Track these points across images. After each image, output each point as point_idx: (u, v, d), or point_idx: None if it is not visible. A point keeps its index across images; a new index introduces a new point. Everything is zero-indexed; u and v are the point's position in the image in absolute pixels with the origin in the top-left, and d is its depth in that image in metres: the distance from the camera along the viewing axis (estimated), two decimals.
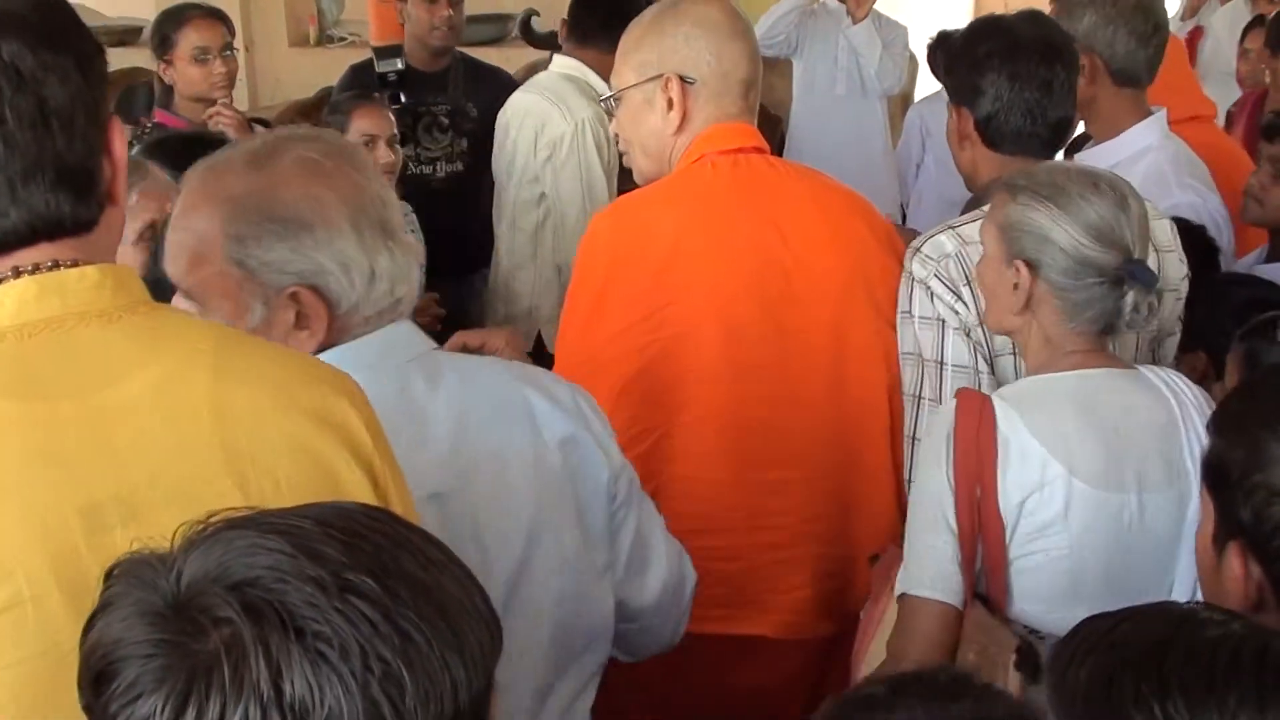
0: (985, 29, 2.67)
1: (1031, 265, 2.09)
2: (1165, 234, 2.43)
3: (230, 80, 4.01)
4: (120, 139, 1.31)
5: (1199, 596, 2.08)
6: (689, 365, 2.38)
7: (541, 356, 3.29)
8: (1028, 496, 2.02)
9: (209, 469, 1.22)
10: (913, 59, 6.57)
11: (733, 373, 2.39)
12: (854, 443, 2.45)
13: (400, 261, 1.64)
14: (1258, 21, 5.13)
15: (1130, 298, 2.05)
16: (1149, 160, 3.06)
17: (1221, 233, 3.08)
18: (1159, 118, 3.14)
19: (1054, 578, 2.05)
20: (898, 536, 2.22)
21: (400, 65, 4.21)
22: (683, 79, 2.45)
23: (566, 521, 1.78)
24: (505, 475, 1.73)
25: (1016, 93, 2.56)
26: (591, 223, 2.57)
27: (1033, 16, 2.67)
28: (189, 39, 3.93)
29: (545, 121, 3.97)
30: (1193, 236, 2.80)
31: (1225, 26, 5.75)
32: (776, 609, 2.45)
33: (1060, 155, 3.09)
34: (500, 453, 1.73)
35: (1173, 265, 2.43)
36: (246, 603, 0.88)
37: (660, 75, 2.46)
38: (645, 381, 2.38)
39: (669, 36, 2.47)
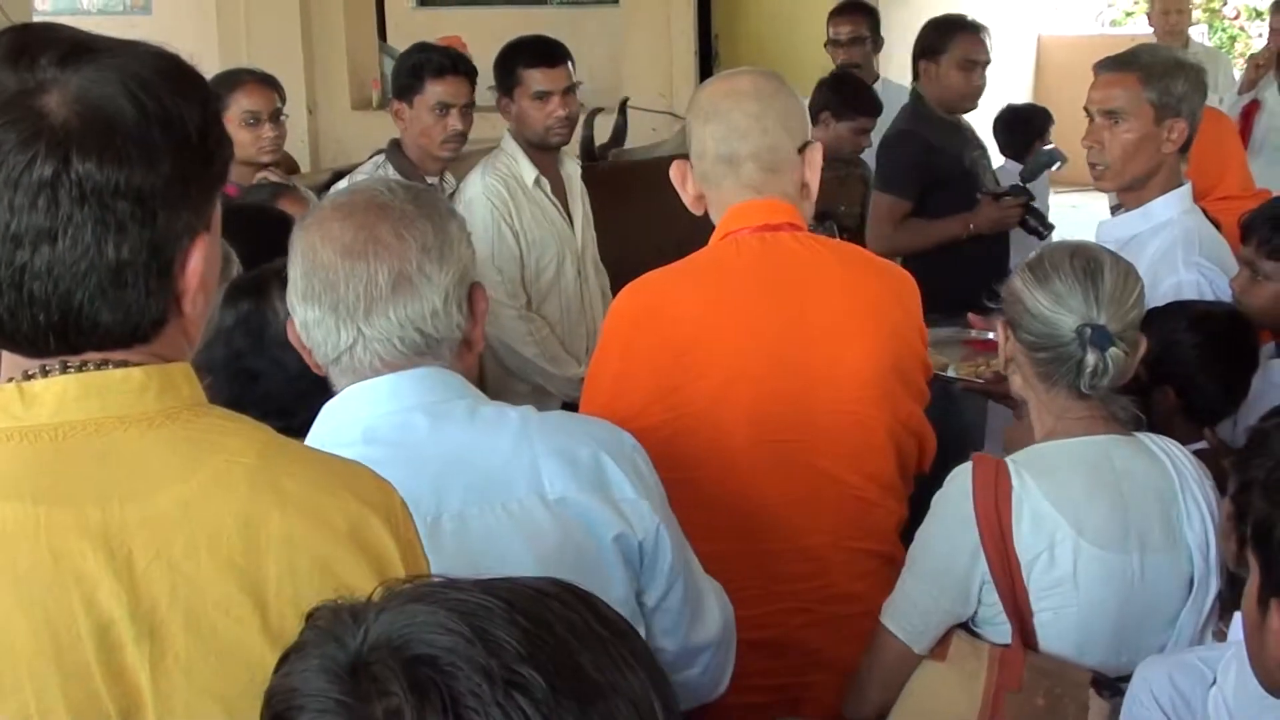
0: None
1: (1010, 325, 2.28)
2: None
3: (278, 145, 4.07)
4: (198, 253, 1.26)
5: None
6: (710, 442, 2.39)
7: None
8: (1039, 555, 2.15)
9: (230, 593, 1.18)
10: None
11: (753, 449, 2.40)
12: (878, 511, 2.47)
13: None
14: None
15: (1089, 359, 2.17)
16: (1164, 235, 3.06)
17: None
18: (1185, 190, 3.14)
19: (1062, 634, 2.18)
20: None
21: None
22: (688, 159, 2.55)
23: (565, 572, 1.80)
24: (488, 520, 1.76)
25: None
26: (617, 297, 2.59)
27: None
28: (239, 103, 3.97)
29: None
30: (1239, 334, 2.79)
31: (1277, 101, 5.75)
32: (804, 670, 2.46)
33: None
34: (490, 500, 1.77)
35: None
36: (415, 680, 0.89)
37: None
38: (668, 458, 2.34)
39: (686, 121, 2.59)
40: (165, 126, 1.18)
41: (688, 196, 2.55)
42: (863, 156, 5.05)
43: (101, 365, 1.21)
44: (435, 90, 3.97)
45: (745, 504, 2.41)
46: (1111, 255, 2.26)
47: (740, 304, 2.42)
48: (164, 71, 1.20)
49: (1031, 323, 2.22)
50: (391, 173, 3.91)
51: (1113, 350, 2.17)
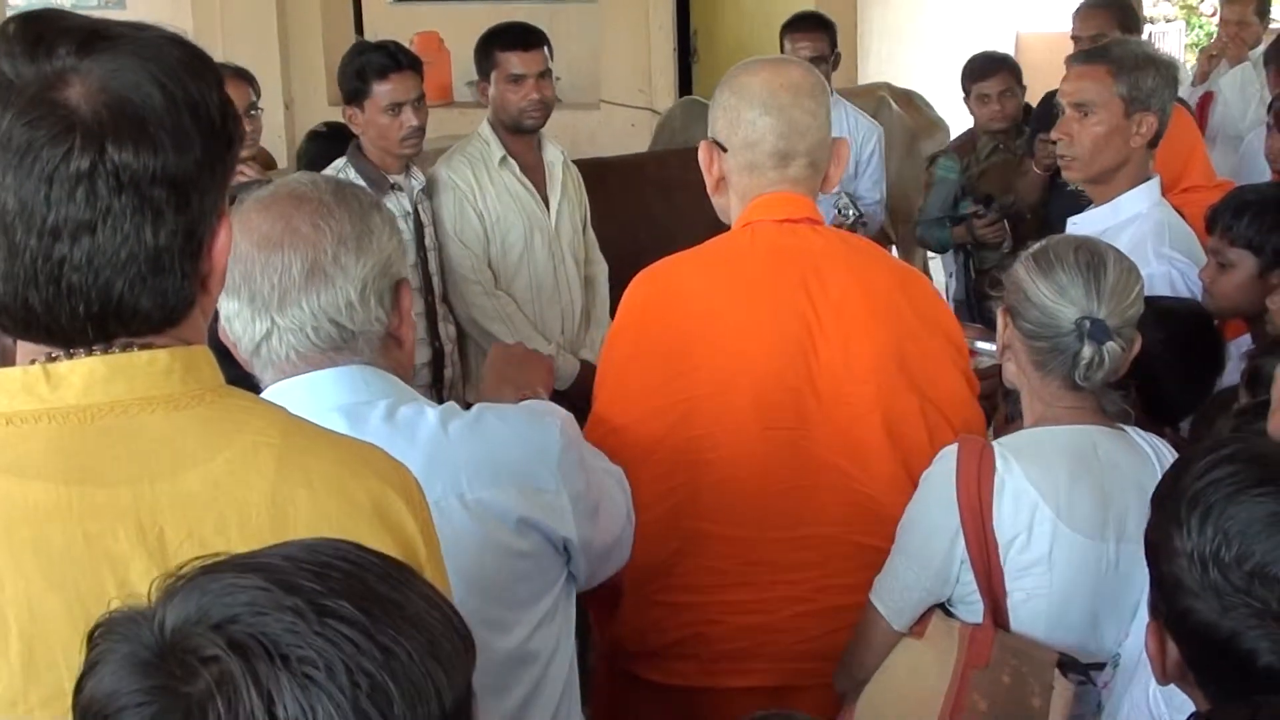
0: None
1: (1010, 313, 2.31)
2: None
3: (254, 139, 4.08)
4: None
5: None
6: (716, 427, 2.40)
7: None
8: (1016, 536, 2.18)
9: None
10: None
11: (759, 435, 2.40)
12: (882, 508, 2.44)
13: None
14: None
15: (1085, 352, 2.20)
16: (1134, 228, 3.08)
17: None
18: (1154, 184, 3.16)
19: (1034, 616, 2.22)
20: None
21: None
22: (717, 144, 2.51)
23: (486, 571, 1.83)
24: None
25: None
26: (631, 282, 2.60)
27: None
28: None
29: None
30: (1205, 334, 2.80)
31: (1234, 91, 5.79)
32: (794, 657, 2.46)
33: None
34: None
35: None
36: (231, 639, 0.90)
37: (710, 137, 2.53)
38: (674, 440, 2.40)
39: (716, 102, 2.54)
40: (192, 112, 1.19)
41: (710, 179, 2.54)
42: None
43: (126, 347, 1.22)
44: (383, 90, 3.95)
45: (752, 490, 2.42)
46: (1115, 251, 2.28)
47: (748, 292, 2.43)
48: (182, 57, 1.20)
49: (1032, 311, 2.25)
50: (354, 175, 3.92)
51: (1110, 345, 2.20)
